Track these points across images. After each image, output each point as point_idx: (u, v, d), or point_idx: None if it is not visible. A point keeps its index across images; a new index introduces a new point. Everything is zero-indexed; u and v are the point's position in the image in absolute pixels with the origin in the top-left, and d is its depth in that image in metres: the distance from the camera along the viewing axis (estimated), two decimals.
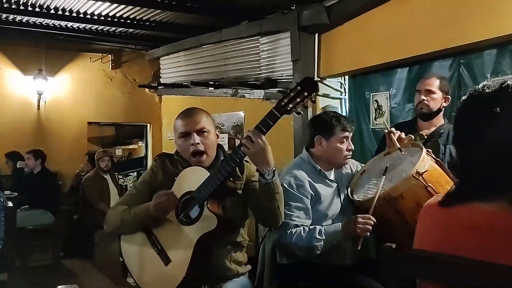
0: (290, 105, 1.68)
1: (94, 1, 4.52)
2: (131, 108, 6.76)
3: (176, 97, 6.44)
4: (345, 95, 4.22)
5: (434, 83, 2.49)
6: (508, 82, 1.04)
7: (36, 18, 5.07)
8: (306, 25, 3.94)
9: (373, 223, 1.86)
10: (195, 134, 1.86)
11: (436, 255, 1.04)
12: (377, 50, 3.51)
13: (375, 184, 2.01)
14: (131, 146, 10.04)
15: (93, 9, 4.83)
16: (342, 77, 4.18)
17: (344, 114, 4.01)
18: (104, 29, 5.55)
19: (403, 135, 2.18)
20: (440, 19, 3.02)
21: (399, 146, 2.09)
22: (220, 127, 5.36)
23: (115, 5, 4.62)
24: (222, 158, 1.92)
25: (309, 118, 2.95)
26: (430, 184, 1.75)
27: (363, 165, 2.34)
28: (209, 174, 1.76)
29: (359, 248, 1.89)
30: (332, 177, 2.21)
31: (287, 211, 1.99)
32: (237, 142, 5.04)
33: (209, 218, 1.72)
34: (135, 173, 7.64)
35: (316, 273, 2.07)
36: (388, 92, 3.75)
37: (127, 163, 8.89)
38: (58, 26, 5.34)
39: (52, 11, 4.86)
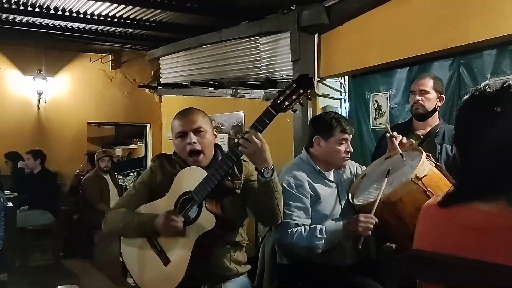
0: (286, 103, 1.68)
1: (94, 1, 4.52)
2: (131, 108, 6.76)
3: (176, 97, 6.44)
4: (345, 95, 4.21)
5: (428, 83, 2.49)
6: (510, 82, 1.04)
7: (36, 18, 5.07)
8: (306, 25, 3.94)
9: (374, 223, 1.86)
10: (191, 133, 1.87)
11: (436, 255, 1.04)
12: (377, 50, 3.51)
13: (375, 188, 2.00)
14: (131, 146, 10.03)
15: (93, 9, 4.83)
16: (342, 77, 4.17)
17: (344, 114, 4.01)
18: (104, 29, 5.55)
19: (404, 139, 2.17)
20: (440, 19, 3.02)
21: (401, 152, 2.08)
22: (220, 127, 5.36)
23: (115, 5, 4.62)
24: (220, 157, 1.92)
25: (309, 118, 2.95)
26: (429, 189, 1.74)
27: (363, 166, 2.34)
28: (206, 173, 1.76)
29: (360, 247, 1.89)
30: (331, 177, 2.20)
31: (287, 211, 1.99)
32: None
33: (208, 218, 1.72)
34: (135, 173, 7.64)
35: (316, 273, 2.06)
36: (388, 92, 3.75)
37: (127, 163, 8.89)
38: (58, 26, 5.34)
39: (52, 11, 4.86)
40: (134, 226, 1.83)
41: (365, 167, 2.31)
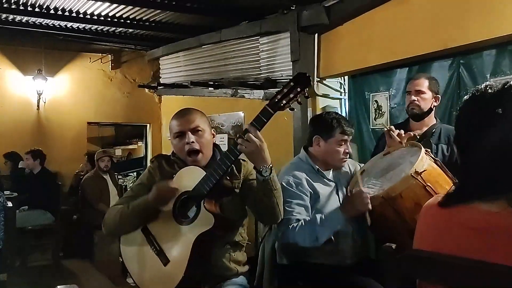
0: (284, 101, 1.68)
1: (94, 1, 4.52)
2: (130, 108, 6.76)
3: (176, 97, 6.44)
4: (345, 95, 4.21)
5: (424, 84, 2.50)
6: (511, 83, 1.04)
7: (36, 18, 5.07)
8: (306, 25, 3.94)
9: (367, 196, 1.84)
10: (189, 133, 1.87)
11: (436, 255, 1.04)
12: (377, 50, 3.51)
13: (374, 183, 2.01)
14: (130, 146, 10.04)
15: (93, 9, 4.83)
16: (342, 77, 4.17)
17: (343, 114, 4.00)
18: (104, 29, 5.55)
19: (402, 132, 2.19)
20: (440, 19, 3.02)
21: (400, 140, 2.09)
22: (220, 127, 5.36)
23: (115, 5, 4.62)
24: (218, 157, 1.91)
25: (309, 118, 2.95)
26: (428, 184, 1.75)
27: (362, 165, 2.34)
28: (205, 173, 1.76)
29: (369, 224, 1.84)
30: (330, 176, 2.21)
31: (288, 208, 1.99)
32: None
33: (206, 217, 1.72)
34: (135, 173, 7.64)
35: (316, 273, 2.06)
36: (388, 92, 3.75)
37: (126, 163, 8.90)
38: (58, 26, 5.34)
39: (52, 11, 4.87)
40: (129, 212, 1.83)
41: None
